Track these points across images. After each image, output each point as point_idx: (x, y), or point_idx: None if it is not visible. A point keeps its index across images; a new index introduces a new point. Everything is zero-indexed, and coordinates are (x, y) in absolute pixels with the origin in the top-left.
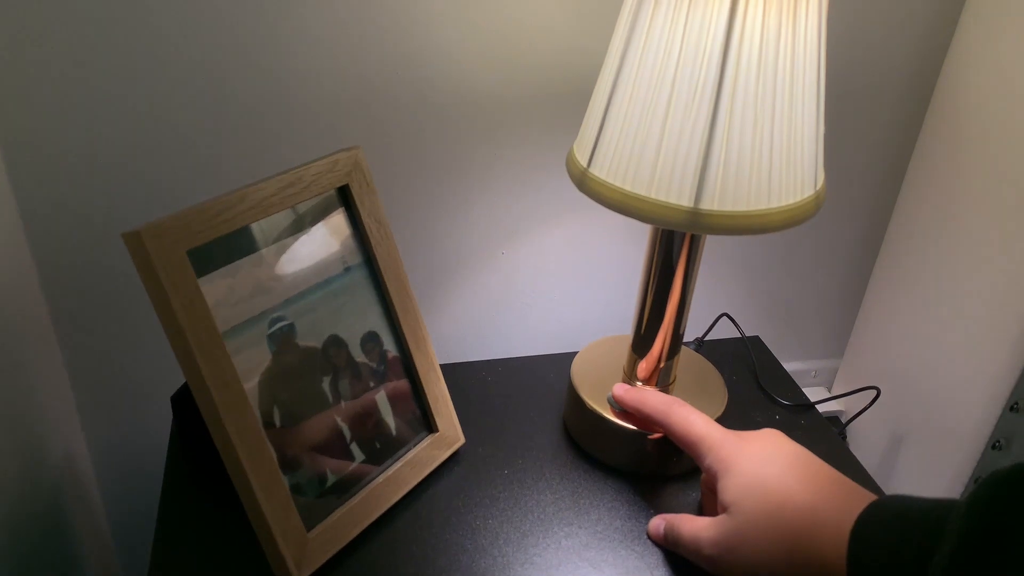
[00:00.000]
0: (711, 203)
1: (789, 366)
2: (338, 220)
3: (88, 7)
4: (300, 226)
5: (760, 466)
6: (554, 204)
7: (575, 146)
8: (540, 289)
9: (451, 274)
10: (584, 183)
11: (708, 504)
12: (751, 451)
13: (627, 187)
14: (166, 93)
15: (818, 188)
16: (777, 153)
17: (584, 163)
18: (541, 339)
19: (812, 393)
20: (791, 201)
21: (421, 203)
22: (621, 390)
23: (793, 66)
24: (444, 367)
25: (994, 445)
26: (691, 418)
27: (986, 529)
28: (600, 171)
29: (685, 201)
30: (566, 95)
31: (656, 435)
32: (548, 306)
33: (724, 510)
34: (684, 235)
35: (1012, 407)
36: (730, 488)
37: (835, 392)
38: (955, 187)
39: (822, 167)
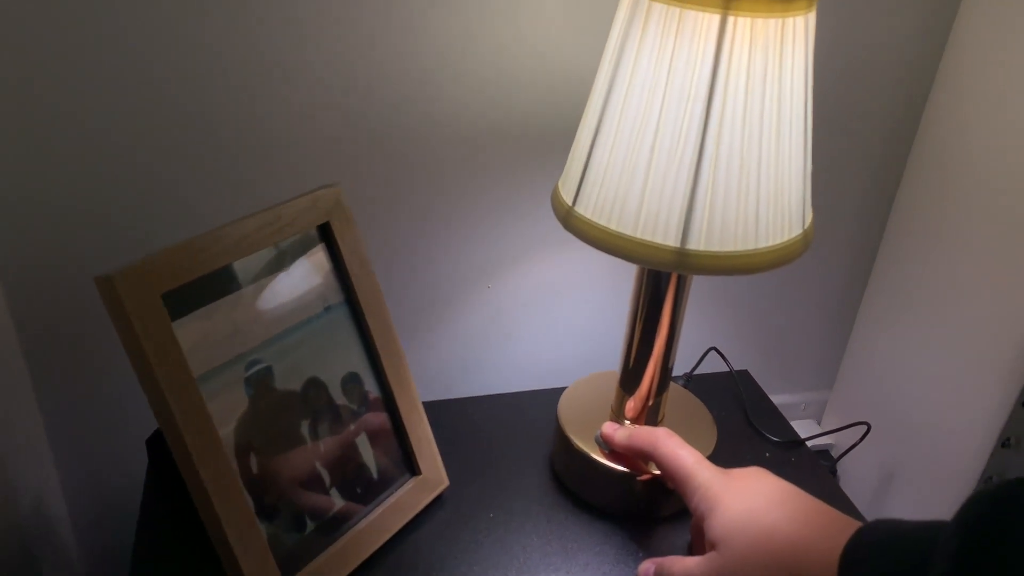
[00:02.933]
0: (698, 243)
1: (778, 399)
2: (318, 258)
3: (60, 50)
4: (279, 265)
5: (746, 502)
6: (541, 237)
7: (560, 183)
8: (527, 323)
9: (436, 309)
10: (569, 222)
11: (697, 544)
12: (737, 488)
13: (613, 226)
14: (140, 132)
15: (806, 227)
16: (764, 193)
17: (569, 201)
18: (528, 374)
19: (802, 426)
20: (779, 241)
21: (404, 238)
22: (610, 429)
23: (780, 106)
24: (428, 404)
25: (987, 480)
26: (680, 452)
27: (977, 547)
28: (585, 210)
29: (671, 241)
30: (552, 130)
31: (645, 476)
32: (535, 340)
33: (712, 548)
34: (671, 272)
35: (1004, 443)
36: (716, 526)
37: (825, 425)
38: (942, 220)
39: (810, 206)
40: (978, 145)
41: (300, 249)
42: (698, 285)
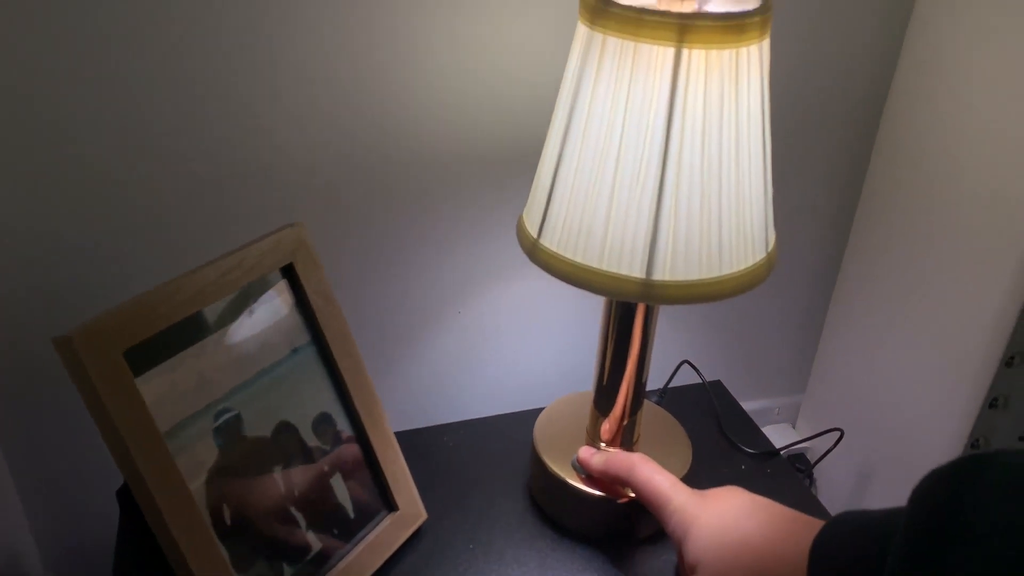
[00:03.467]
0: (663, 273)
1: (753, 404)
2: (283, 300)
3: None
4: (243, 310)
5: (717, 520)
6: (509, 259)
7: (525, 215)
8: (499, 346)
9: (406, 336)
10: (535, 254)
11: (683, 569)
12: (710, 509)
13: (578, 259)
14: (92, 182)
15: (769, 250)
16: (727, 221)
17: (534, 234)
18: (503, 397)
19: (776, 430)
20: (743, 267)
21: (370, 267)
22: (586, 454)
23: (738, 133)
24: (403, 434)
25: None
26: (656, 478)
27: (928, 524)
28: (550, 242)
29: (637, 272)
30: (517, 153)
31: (624, 499)
32: (508, 363)
33: (692, 572)
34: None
35: (974, 444)
36: (692, 550)
37: (799, 427)
38: (904, 224)
39: (772, 228)
40: (934, 151)
41: (264, 292)
42: None
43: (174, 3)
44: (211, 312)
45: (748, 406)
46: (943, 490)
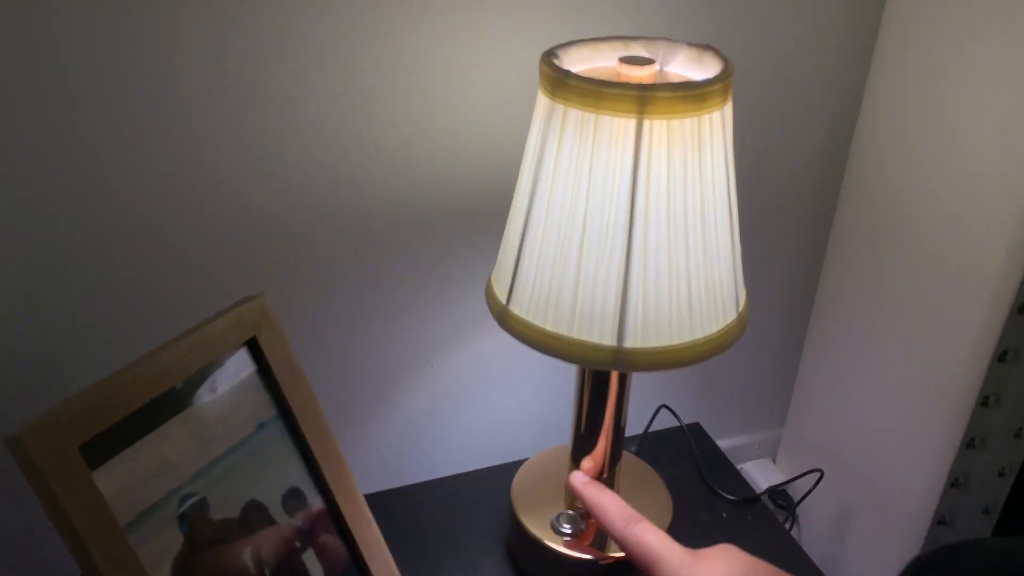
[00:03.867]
0: (634, 341)
1: (732, 441)
2: (247, 375)
3: None
4: (206, 390)
5: None
6: (482, 312)
7: (493, 278)
8: (473, 399)
9: (378, 394)
10: (504, 320)
11: None
12: (711, 571)
13: (548, 327)
14: (38, 264)
15: (740, 310)
16: (696, 286)
17: (503, 300)
18: (480, 451)
19: (757, 466)
20: (715, 330)
21: (338, 325)
22: (579, 481)
23: (703, 198)
24: (376, 496)
25: (939, 520)
26: (648, 538)
27: None
28: (519, 309)
29: (608, 340)
30: (486, 208)
31: (607, 560)
32: (483, 415)
33: None
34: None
35: (953, 483)
36: None
37: (780, 462)
38: (876, 261)
39: (742, 287)
40: (902, 187)
41: (227, 368)
42: None
43: (139, 70)
44: (173, 394)
45: (727, 443)
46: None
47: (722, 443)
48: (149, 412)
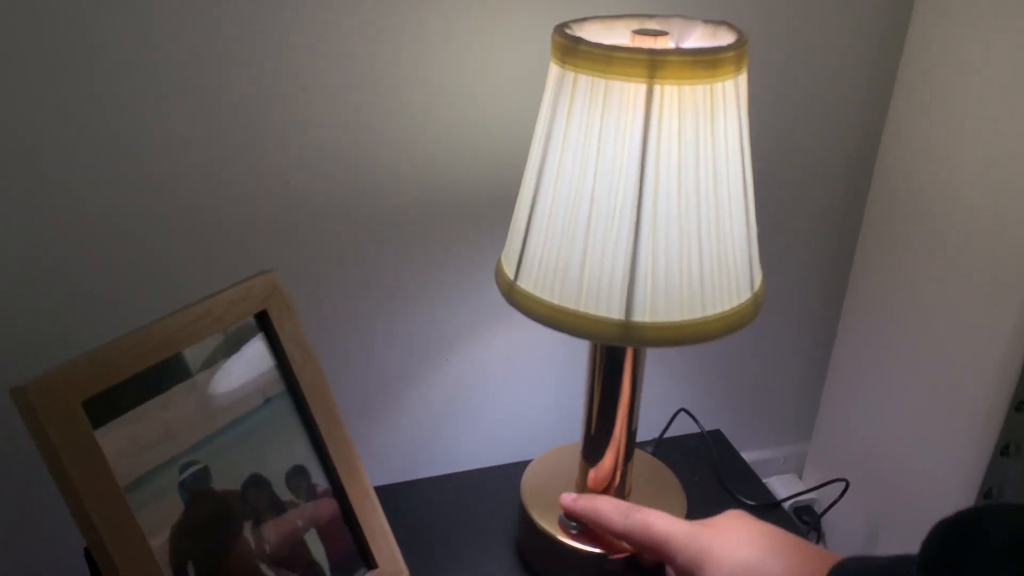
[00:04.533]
0: (643, 315)
1: (756, 454)
2: (256, 349)
3: None
4: (213, 360)
5: (736, 555)
6: (500, 305)
7: (503, 257)
8: (489, 395)
9: (392, 387)
10: (512, 296)
11: None
12: (723, 541)
13: (555, 300)
14: (54, 226)
15: (756, 291)
16: (708, 260)
17: (511, 276)
18: (494, 448)
19: (782, 481)
20: (727, 308)
21: (354, 317)
22: (569, 500)
23: (715, 170)
24: (387, 488)
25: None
26: (649, 520)
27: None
28: (527, 284)
29: (615, 314)
30: (505, 198)
31: (618, 555)
32: (499, 413)
33: None
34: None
35: (986, 494)
36: None
37: (806, 478)
38: (906, 267)
39: (759, 268)
40: (933, 190)
41: (236, 341)
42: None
43: (157, 52)
44: (179, 361)
45: (751, 456)
46: (952, 544)
47: (746, 455)
48: (154, 376)
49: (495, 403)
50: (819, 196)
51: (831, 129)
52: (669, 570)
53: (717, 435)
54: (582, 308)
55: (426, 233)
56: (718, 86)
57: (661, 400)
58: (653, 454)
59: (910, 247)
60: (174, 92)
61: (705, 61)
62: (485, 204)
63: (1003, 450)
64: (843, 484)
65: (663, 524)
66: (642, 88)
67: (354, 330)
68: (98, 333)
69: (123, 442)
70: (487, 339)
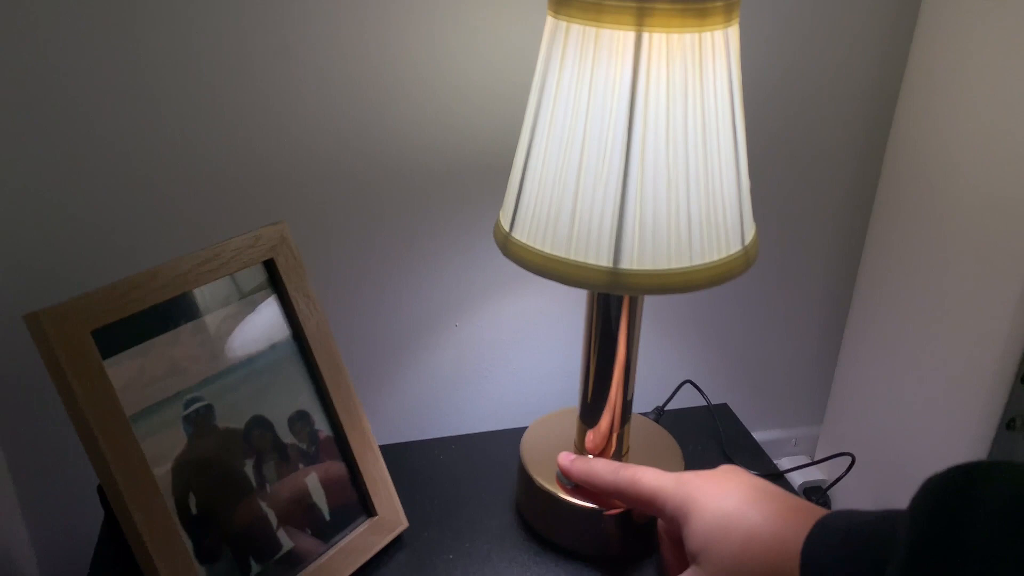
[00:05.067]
0: (630, 262)
1: (767, 434)
2: (264, 296)
3: None
4: (222, 304)
5: (719, 504)
6: (509, 272)
7: (500, 211)
8: (497, 361)
9: (402, 349)
10: (507, 247)
11: (669, 554)
12: (708, 491)
13: (547, 249)
14: (80, 175)
15: (746, 244)
16: (696, 209)
17: (507, 227)
18: (501, 413)
19: (793, 462)
20: (715, 258)
21: (363, 280)
22: (566, 460)
23: (704, 120)
24: (394, 447)
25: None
26: (639, 475)
27: (930, 537)
28: (521, 234)
29: (604, 261)
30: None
31: (612, 511)
32: (506, 378)
33: (693, 560)
34: (621, 295)
35: None
36: (694, 534)
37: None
38: (919, 244)
39: (751, 222)
40: (946, 170)
41: (244, 287)
42: (672, 314)
43: (177, 14)
44: (187, 301)
45: (762, 436)
46: (942, 506)
47: (757, 435)
48: (162, 313)
49: (502, 371)
50: (831, 176)
51: (841, 110)
52: (660, 524)
53: (724, 409)
54: (572, 256)
55: (439, 198)
56: (707, 36)
57: (671, 375)
58: (655, 420)
59: (920, 228)
60: (205, 49)
61: (693, 10)
62: (501, 168)
63: (1008, 424)
64: (848, 460)
65: (651, 477)
66: (631, 36)
67: (365, 292)
68: (115, 274)
69: (130, 374)
70: (495, 305)
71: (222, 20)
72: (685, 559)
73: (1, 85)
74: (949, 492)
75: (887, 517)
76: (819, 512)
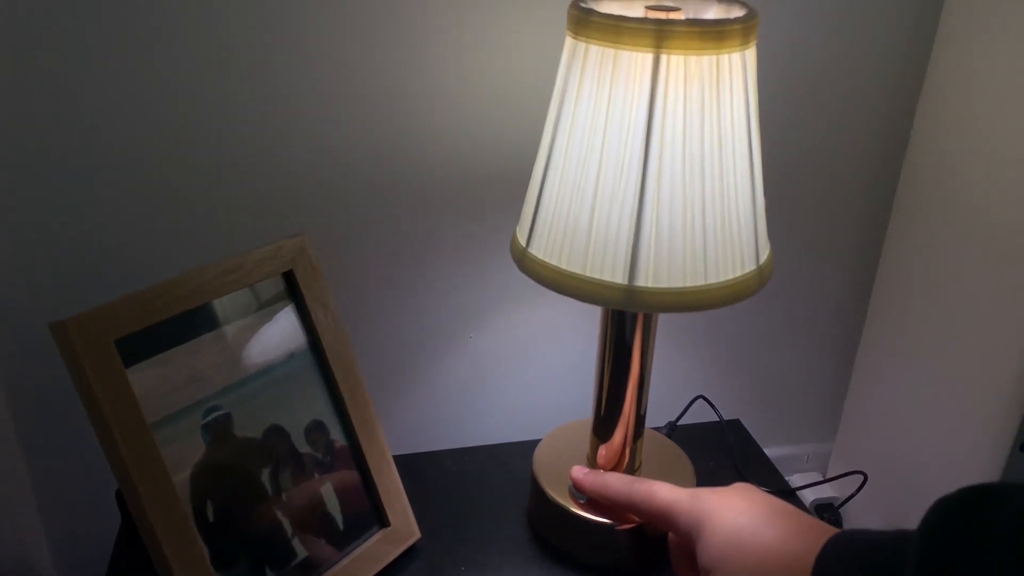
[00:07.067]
0: (646, 280)
1: (780, 450)
2: (283, 306)
3: (11, 107)
4: (242, 313)
5: (734, 520)
6: (525, 284)
7: (518, 227)
8: (511, 372)
9: (416, 360)
10: (523, 263)
11: (680, 569)
12: (722, 507)
13: (563, 265)
14: (106, 182)
15: (761, 263)
16: (711, 228)
17: (523, 243)
18: (514, 424)
19: (804, 479)
20: (730, 277)
21: (382, 289)
22: (580, 473)
23: (721, 141)
24: (408, 457)
25: None
26: (653, 489)
27: (940, 559)
28: (538, 250)
29: (619, 279)
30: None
31: (626, 526)
32: (519, 390)
33: (705, 575)
34: (623, 310)
35: None
36: (707, 550)
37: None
38: (934, 261)
39: (766, 241)
40: (961, 188)
41: (264, 297)
42: (686, 330)
43: (198, 15)
44: (209, 311)
45: (774, 452)
46: (952, 529)
47: (769, 452)
48: (184, 323)
49: (517, 382)
50: (847, 195)
51: (858, 129)
52: (672, 538)
53: (736, 425)
54: (588, 273)
55: (457, 210)
56: (724, 58)
57: (683, 390)
58: (667, 435)
59: (935, 246)
60: (229, 61)
61: (712, 33)
62: (519, 181)
63: (1022, 445)
64: (861, 478)
65: (665, 492)
66: (649, 58)
67: (383, 302)
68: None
69: (152, 382)
70: (510, 318)
71: (246, 31)
72: (697, 574)
73: (27, 98)
74: (959, 513)
75: (899, 537)
76: (832, 531)
